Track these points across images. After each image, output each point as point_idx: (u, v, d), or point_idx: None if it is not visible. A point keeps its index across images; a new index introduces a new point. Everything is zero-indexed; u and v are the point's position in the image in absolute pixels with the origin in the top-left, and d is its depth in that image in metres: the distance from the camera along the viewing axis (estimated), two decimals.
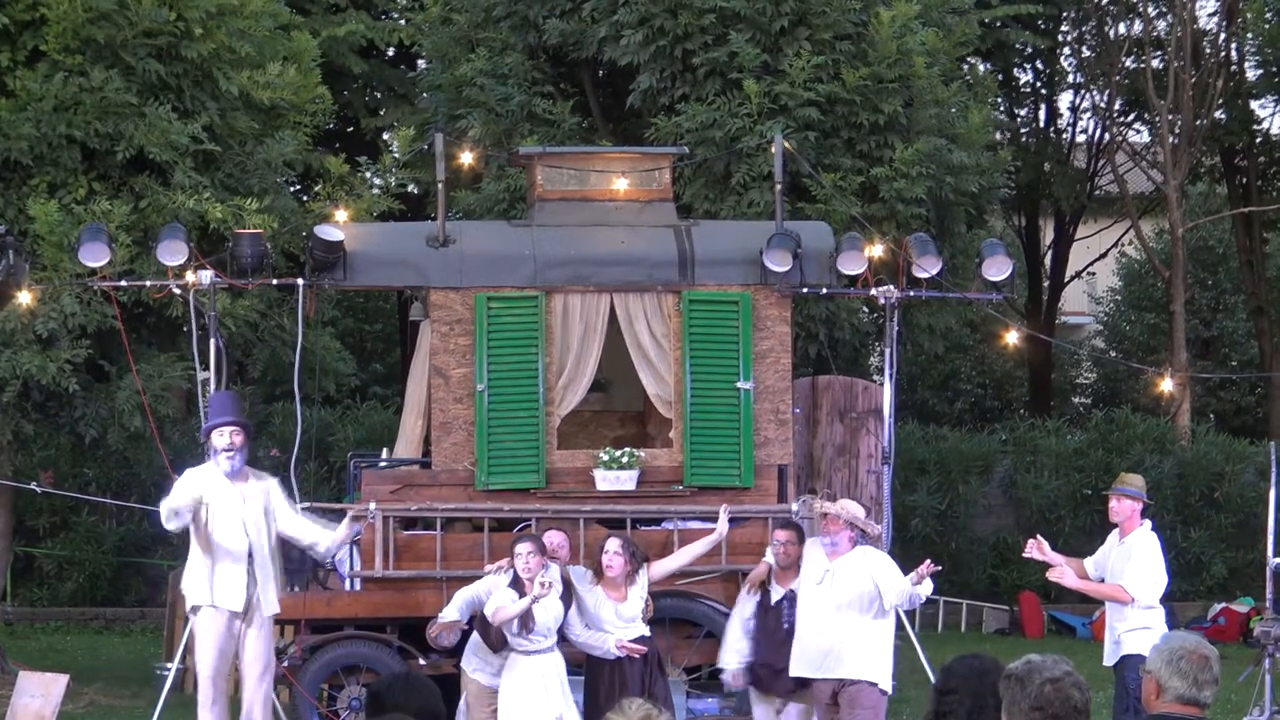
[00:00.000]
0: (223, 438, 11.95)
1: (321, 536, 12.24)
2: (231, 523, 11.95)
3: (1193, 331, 31.26)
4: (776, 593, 12.18)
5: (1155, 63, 27.66)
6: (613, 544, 12.10)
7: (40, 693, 12.49)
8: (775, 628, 12.09)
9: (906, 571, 11.75)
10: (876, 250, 15.09)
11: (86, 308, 15.52)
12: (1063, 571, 12.39)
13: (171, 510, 11.80)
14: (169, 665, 14.12)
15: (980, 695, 5.83)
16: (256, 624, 12.12)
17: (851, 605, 11.65)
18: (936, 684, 6.04)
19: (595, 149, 16.58)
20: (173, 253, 13.78)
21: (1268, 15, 26.08)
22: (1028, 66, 29.64)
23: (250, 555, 12.01)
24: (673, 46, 18.71)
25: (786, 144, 15.45)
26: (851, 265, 14.30)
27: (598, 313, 14.39)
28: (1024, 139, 29.84)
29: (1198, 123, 26.14)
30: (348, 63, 23.90)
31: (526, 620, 11.49)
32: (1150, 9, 27.56)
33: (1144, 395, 30.44)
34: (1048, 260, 31.92)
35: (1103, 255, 33.51)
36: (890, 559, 12.09)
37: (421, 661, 13.78)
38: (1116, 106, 28.75)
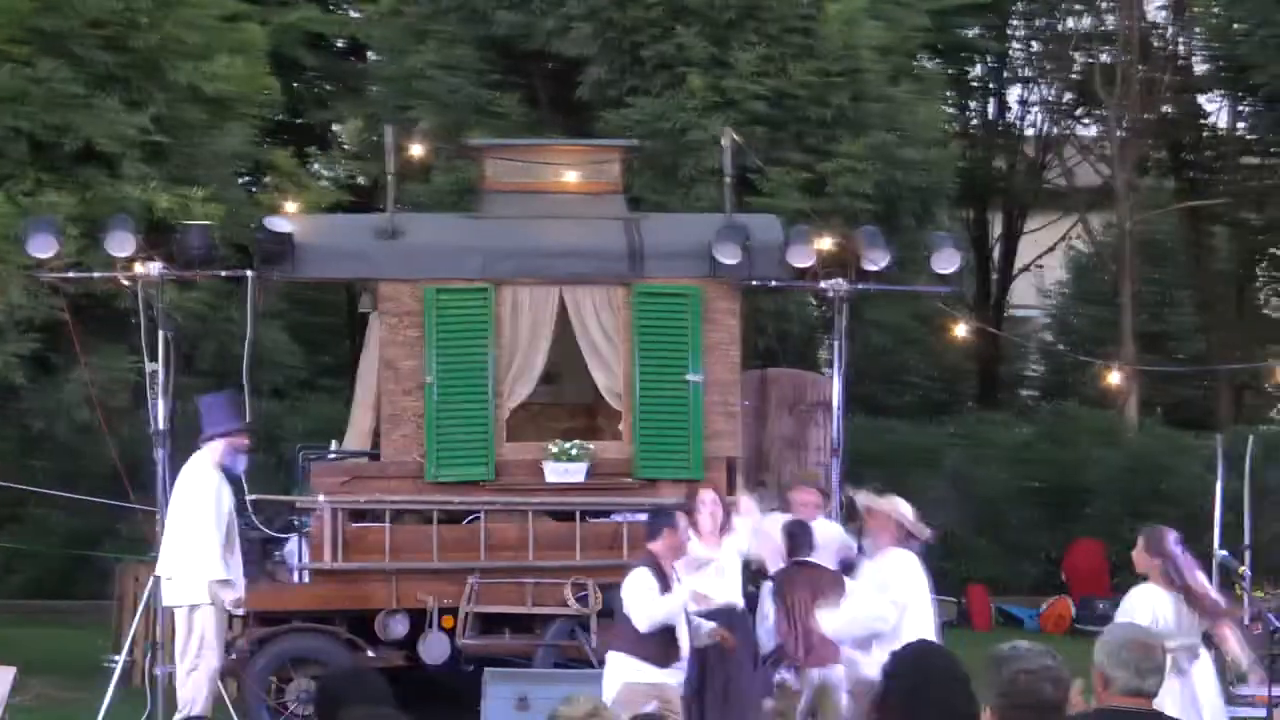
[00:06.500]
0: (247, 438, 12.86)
1: None
2: (232, 518, 12.48)
3: (1141, 325, 31.36)
4: None
5: (1104, 57, 27.75)
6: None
7: None
8: None
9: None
10: (825, 243, 15.10)
11: (34, 300, 15.42)
12: None
13: None
14: (116, 658, 14.06)
15: (919, 676, 5.83)
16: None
17: None
18: (884, 667, 6.06)
19: (544, 141, 16.58)
20: (120, 244, 13.71)
21: (1215, 10, 26.20)
22: (977, 60, 29.67)
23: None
24: (621, 39, 18.70)
25: (736, 136, 15.45)
26: (800, 258, 14.32)
27: (547, 305, 14.37)
28: (973, 132, 29.89)
29: (1145, 117, 26.25)
30: (297, 54, 23.76)
31: None
32: (1101, 3, 27.65)
33: (1091, 388, 30.55)
34: (996, 253, 31.99)
35: (1051, 249, 33.57)
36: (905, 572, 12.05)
37: (370, 654, 13.76)
38: (1065, 100, 28.83)
